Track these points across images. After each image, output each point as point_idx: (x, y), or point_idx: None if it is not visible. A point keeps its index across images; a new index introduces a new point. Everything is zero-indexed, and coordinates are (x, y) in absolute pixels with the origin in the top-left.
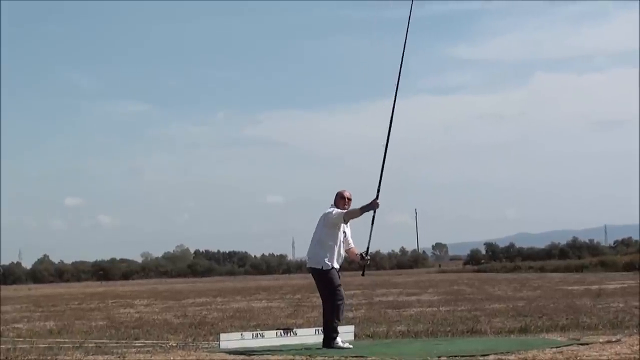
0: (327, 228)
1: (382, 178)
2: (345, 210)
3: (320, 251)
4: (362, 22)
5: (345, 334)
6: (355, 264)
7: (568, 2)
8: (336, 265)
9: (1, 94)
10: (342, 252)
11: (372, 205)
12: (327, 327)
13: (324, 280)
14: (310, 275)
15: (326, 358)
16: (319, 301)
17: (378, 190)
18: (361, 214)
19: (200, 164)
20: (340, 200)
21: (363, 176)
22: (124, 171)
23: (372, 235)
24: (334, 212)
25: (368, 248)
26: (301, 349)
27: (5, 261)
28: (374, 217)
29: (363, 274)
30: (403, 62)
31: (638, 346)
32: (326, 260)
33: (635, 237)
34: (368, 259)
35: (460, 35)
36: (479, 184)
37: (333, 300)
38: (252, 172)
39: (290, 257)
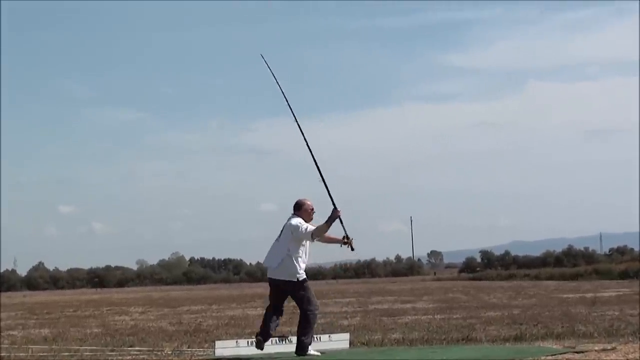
0: (294, 242)
1: (329, 189)
2: (314, 228)
3: (293, 263)
4: (356, 31)
5: (340, 342)
6: (335, 245)
7: (562, 10)
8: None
9: None
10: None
11: (335, 216)
12: (302, 335)
13: (301, 291)
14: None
15: None
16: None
17: (332, 200)
18: (328, 229)
19: (195, 172)
20: (305, 213)
21: (355, 184)
22: (119, 178)
23: (345, 228)
24: (303, 229)
25: (346, 233)
26: (296, 357)
27: (0, 268)
28: (341, 220)
29: (353, 249)
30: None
31: (637, 353)
32: (300, 271)
33: (630, 245)
34: (351, 239)
35: (453, 43)
36: (474, 192)
37: (311, 310)
38: (246, 179)
39: None
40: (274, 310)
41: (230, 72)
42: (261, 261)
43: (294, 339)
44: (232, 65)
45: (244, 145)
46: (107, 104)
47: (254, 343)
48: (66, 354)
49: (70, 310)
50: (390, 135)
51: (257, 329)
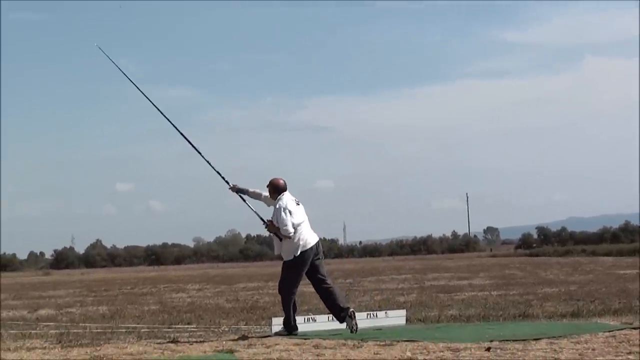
0: None
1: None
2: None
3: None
4: (410, 7)
5: (397, 318)
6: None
7: None
8: None
9: (48, 82)
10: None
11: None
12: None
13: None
14: (360, 259)
15: (378, 342)
16: (370, 285)
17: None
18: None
19: (248, 149)
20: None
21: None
22: (175, 156)
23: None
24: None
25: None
26: (353, 334)
27: (58, 246)
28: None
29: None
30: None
31: None
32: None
33: None
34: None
35: (509, 19)
36: (529, 169)
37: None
38: (301, 156)
39: (341, 242)
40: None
41: (285, 49)
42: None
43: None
44: (286, 41)
45: (298, 122)
46: (160, 82)
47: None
48: (124, 330)
49: (127, 287)
50: (445, 112)
51: (313, 305)
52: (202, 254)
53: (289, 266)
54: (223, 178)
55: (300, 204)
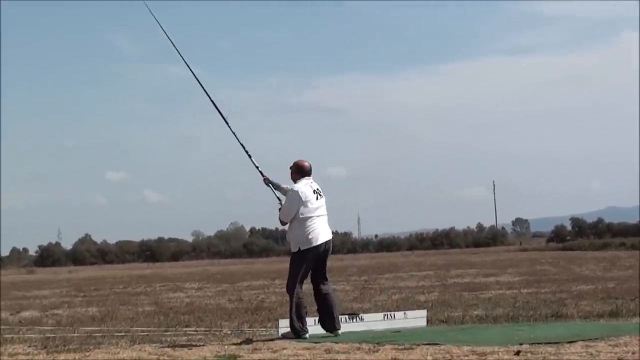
0: None
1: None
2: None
3: None
4: None
5: (416, 319)
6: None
7: None
8: None
9: (28, 61)
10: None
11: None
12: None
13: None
14: (376, 254)
15: (396, 346)
16: (387, 283)
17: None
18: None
19: (253, 133)
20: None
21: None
22: (171, 142)
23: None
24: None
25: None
26: (368, 336)
27: (43, 241)
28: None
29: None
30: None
31: None
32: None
33: None
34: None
35: None
36: (563, 154)
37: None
38: (310, 141)
39: (355, 235)
40: None
41: (292, 26)
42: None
43: (366, 316)
44: (294, 16)
45: (308, 103)
46: (157, 61)
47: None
48: (116, 334)
49: (119, 286)
50: (470, 92)
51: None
52: (201, 249)
53: (292, 259)
54: (260, 171)
55: (322, 196)
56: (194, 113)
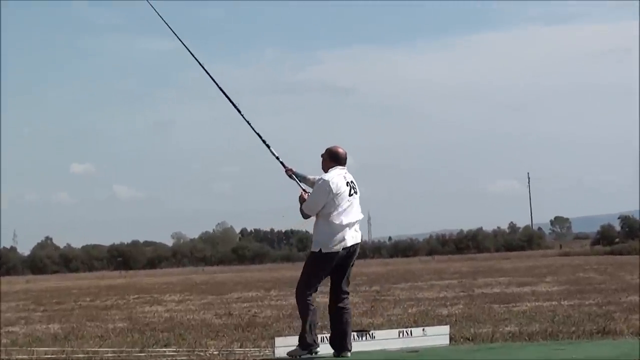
0: None
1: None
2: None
3: None
4: None
5: (437, 337)
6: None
7: None
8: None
9: None
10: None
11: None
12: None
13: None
14: (390, 260)
15: None
16: (403, 294)
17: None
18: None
19: (247, 116)
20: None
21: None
22: (146, 127)
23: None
24: None
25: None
26: (381, 357)
27: None
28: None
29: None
30: None
31: None
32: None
33: None
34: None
35: None
36: (610, 139)
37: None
38: (312, 126)
39: (365, 237)
40: None
41: None
42: None
43: (378, 333)
44: None
45: (310, 81)
46: (134, 32)
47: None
48: (82, 355)
49: (86, 299)
50: (500, 67)
51: (329, 320)
52: (183, 254)
53: (310, 260)
54: (281, 162)
55: (357, 192)
56: (174, 93)
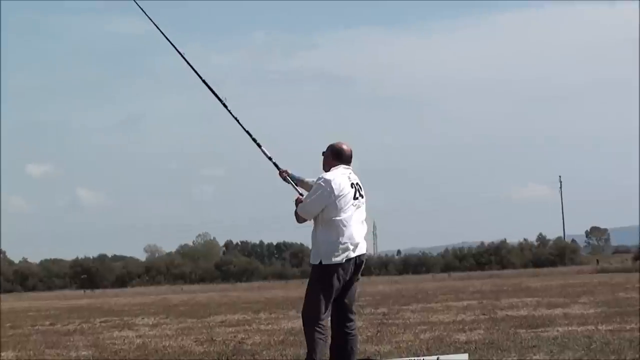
0: None
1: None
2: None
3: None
4: None
5: None
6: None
7: None
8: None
9: None
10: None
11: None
12: None
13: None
14: (398, 277)
15: None
16: (415, 317)
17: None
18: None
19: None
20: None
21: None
22: (118, 122)
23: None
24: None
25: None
26: None
27: None
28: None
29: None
30: None
31: None
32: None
33: None
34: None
35: None
36: None
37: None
38: (306, 119)
39: (370, 251)
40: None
41: None
42: None
43: None
44: None
45: (303, 69)
46: (102, 12)
47: None
48: None
49: (45, 322)
50: (527, 53)
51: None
52: (158, 270)
53: (312, 276)
54: (274, 163)
55: (362, 196)
56: (147, 83)
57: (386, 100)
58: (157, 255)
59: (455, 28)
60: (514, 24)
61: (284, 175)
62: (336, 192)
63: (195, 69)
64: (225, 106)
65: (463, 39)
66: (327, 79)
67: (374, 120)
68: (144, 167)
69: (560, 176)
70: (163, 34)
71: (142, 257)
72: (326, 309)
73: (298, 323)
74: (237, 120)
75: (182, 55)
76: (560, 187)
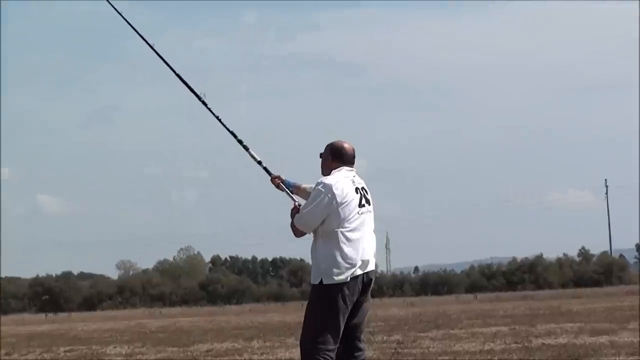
0: None
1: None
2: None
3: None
4: None
5: None
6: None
7: None
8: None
9: None
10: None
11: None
12: None
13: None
14: (416, 299)
15: None
16: (436, 346)
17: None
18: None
19: (216, 103)
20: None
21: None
22: (84, 117)
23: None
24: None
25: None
26: None
27: None
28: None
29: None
30: None
31: None
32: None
33: None
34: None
35: None
36: None
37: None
38: (308, 114)
39: (382, 268)
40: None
41: None
42: None
43: None
44: None
45: (303, 56)
46: None
47: None
48: None
49: (1, 352)
50: (567, 36)
51: None
52: (133, 291)
53: (312, 298)
54: (264, 168)
55: (369, 202)
56: (117, 71)
57: (398, 90)
58: (131, 272)
59: (480, 6)
60: (539, 6)
61: (276, 182)
62: (338, 199)
63: (176, 55)
64: (204, 103)
65: (489, 18)
66: (331, 65)
67: (385, 114)
68: (117, 169)
69: (606, 180)
70: (129, 23)
71: (113, 275)
72: (332, 336)
73: (297, 353)
74: (219, 120)
75: (151, 47)
76: (607, 193)
